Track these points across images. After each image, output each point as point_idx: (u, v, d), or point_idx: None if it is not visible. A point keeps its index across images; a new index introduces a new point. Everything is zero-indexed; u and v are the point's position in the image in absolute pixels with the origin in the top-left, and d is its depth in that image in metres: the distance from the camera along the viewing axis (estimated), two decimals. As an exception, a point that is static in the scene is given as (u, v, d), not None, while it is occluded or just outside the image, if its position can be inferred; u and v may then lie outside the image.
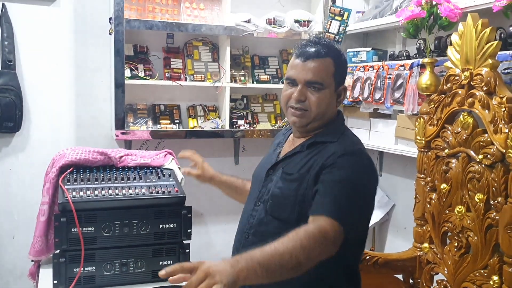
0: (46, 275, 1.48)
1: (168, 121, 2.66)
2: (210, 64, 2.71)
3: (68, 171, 1.53)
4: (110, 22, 2.50)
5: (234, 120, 2.74)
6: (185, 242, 1.51)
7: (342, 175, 1.33)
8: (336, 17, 2.60)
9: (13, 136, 2.48)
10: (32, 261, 1.62)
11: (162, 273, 0.95)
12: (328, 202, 1.28)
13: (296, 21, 2.70)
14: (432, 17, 1.89)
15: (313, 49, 1.43)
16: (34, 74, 2.49)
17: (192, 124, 2.71)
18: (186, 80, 2.64)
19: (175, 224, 1.49)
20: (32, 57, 2.48)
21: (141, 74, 2.55)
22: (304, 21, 2.72)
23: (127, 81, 2.45)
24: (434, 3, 1.87)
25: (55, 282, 1.39)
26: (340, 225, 1.23)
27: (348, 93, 2.50)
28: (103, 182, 1.50)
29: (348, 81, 2.50)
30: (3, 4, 2.38)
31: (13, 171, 2.51)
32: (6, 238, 2.52)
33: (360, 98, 2.44)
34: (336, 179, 1.32)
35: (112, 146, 2.53)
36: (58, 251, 1.40)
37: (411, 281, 1.87)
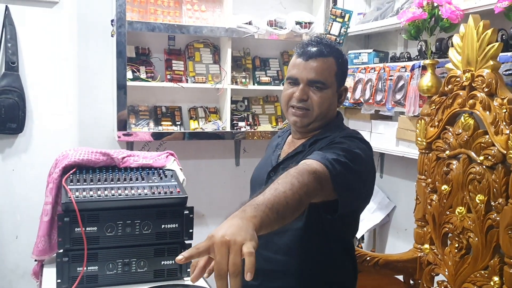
0: (50, 274, 1.48)
1: (170, 123, 2.68)
2: (211, 66, 2.72)
3: (71, 171, 1.53)
4: (112, 24, 2.51)
5: (235, 122, 2.75)
6: (187, 242, 1.51)
7: (339, 146, 1.31)
8: (337, 19, 2.61)
9: (16, 137, 2.50)
10: (35, 260, 1.62)
11: (179, 258, 0.85)
12: (318, 154, 1.25)
13: (297, 23, 2.71)
14: (433, 19, 1.90)
15: (315, 49, 1.43)
16: (37, 75, 2.50)
17: (193, 125, 2.72)
18: (187, 82, 2.65)
19: (177, 224, 1.49)
20: (35, 58, 2.49)
21: (143, 76, 2.56)
22: (305, 23, 2.73)
23: (129, 83, 2.47)
24: (435, 4, 1.88)
25: (59, 281, 1.39)
26: (328, 171, 1.18)
27: (349, 95, 2.51)
28: (106, 182, 1.50)
29: (349, 82, 2.51)
30: (6, 6, 2.39)
31: (16, 172, 2.52)
32: (9, 238, 2.53)
33: (361, 99, 2.45)
34: (330, 146, 1.32)
35: (114, 147, 2.54)
36: (61, 251, 1.40)
37: (411, 282, 1.87)
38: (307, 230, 1.39)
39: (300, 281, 1.41)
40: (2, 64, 2.41)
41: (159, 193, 1.49)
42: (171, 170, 1.65)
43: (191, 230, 1.51)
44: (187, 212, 1.50)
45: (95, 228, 1.42)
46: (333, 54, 1.45)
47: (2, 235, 2.52)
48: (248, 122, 2.80)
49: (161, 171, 1.63)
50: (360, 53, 2.61)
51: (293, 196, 1.03)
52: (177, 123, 2.69)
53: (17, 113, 2.41)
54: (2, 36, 2.39)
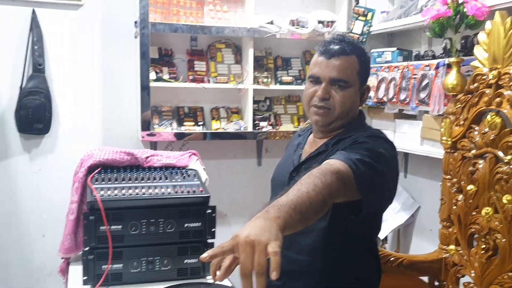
0: (76, 271, 1.51)
1: (192, 123, 2.69)
2: (233, 66, 2.73)
3: (96, 171, 1.56)
4: (135, 26, 2.54)
5: (257, 122, 2.75)
6: (209, 241, 1.52)
7: (362, 145, 1.30)
8: (360, 18, 2.59)
9: (42, 137, 2.55)
10: (62, 258, 1.66)
11: (204, 256, 0.86)
12: (341, 154, 1.24)
13: (319, 21, 2.70)
14: (458, 16, 1.86)
15: (337, 47, 1.41)
16: (62, 77, 2.55)
17: (215, 125, 2.73)
18: (209, 82, 2.66)
19: (200, 223, 1.50)
20: (61, 60, 2.54)
21: (166, 76, 2.59)
22: (328, 22, 2.71)
23: (152, 84, 2.50)
24: (460, 1, 1.84)
25: (85, 278, 1.42)
26: (351, 171, 1.17)
27: (372, 94, 2.49)
28: (130, 181, 1.52)
29: (373, 81, 2.48)
30: (33, 10, 2.45)
31: (43, 172, 2.58)
32: (36, 237, 2.59)
33: (385, 99, 2.42)
34: (354, 146, 1.30)
35: (138, 147, 2.57)
36: (87, 249, 1.43)
37: (436, 283, 1.84)
38: (331, 231, 1.38)
39: (323, 281, 1.40)
40: (30, 66, 2.47)
41: (182, 192, 1.50)
42: (194, 169, 1.66)
43: (213, 229, 1.52)
44: (210, 211, 1.51)
45: (120, 227, 1.44)
46: (355, 52, 1.43)
47: (29, 234, 2.58)
48: (270, 122, 2.80)
49: (184, 170, 1.64)
50: (383, 51, 2.58)
51: (316, 197, 1.02)
52: (199, 123, 2.71)
53: (43, 114, 2.47)
54: (29, 39, 2.45)
